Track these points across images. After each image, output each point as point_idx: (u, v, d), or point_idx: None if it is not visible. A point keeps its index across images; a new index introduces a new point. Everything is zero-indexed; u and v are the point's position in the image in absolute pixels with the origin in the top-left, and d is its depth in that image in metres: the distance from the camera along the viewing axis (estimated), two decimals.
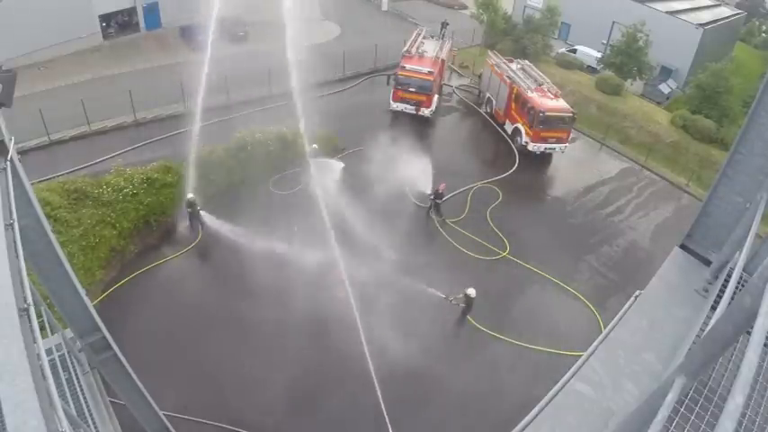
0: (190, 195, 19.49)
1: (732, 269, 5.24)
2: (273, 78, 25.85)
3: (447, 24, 34.51)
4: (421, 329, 16.73)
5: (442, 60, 30.72)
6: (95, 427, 7.33)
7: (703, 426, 4.07)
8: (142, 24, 36.28)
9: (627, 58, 36.71)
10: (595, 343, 5.49)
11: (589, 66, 40.99)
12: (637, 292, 6.24)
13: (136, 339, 14.38)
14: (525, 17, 42.74)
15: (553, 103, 26.84)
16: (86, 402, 7.47)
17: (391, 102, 29.08)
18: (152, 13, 36.38)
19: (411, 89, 28.33)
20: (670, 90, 40.81)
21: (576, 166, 28.60)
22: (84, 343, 7.18)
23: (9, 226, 4.00)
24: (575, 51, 42.75)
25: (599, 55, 41.29)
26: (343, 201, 20.26)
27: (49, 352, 7.10)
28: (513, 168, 26.90)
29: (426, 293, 17.94)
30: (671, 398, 3.08)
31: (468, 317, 17.69)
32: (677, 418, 4.07)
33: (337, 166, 23.67)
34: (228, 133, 22.50)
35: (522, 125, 27.81)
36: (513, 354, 16.93)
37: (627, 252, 22.71)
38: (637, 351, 5.21)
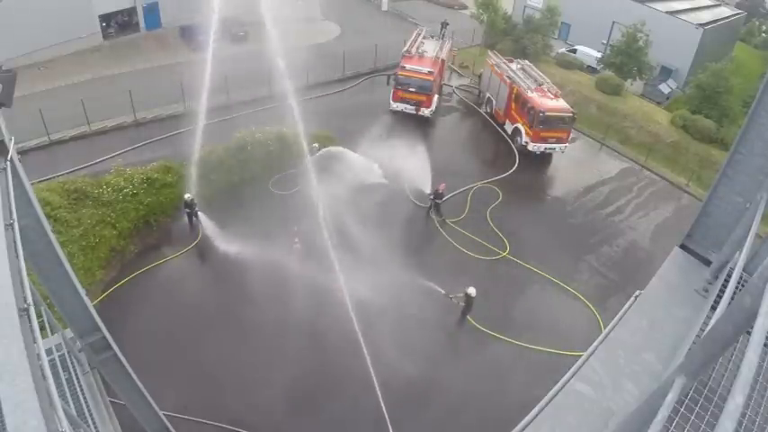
0: (187, 195, 19.50)
1: (732, 269, 5.24)
2: (273, 78, 25.86)
3: (447, 24, 34.52)
4: (421, 329, 16.73)
5: (442, 60, 30.72)
6: (95, 427, 7.33)
7: (703, 426, 4.07)
8: (142, 24, 36.30)
9: (627, 58, 36.72)
10: (595, 343, 5.49)
11: (589, 66, 41.00)
12: (637, 292, 6.24)
13: (136, 339, 14.38)
14: (525, 17, 42.75)
15: (553, 103, 26.84)
16: (86, 402, 7.47)
17: (391, 102, 29.08)
18: (152, 13, 36.39)
19: (411, 89, 28.34)
20: (670, 90, 40.82)
21: (575, 166, 28.60)
22: (84, 343, 7.18)
23: (9, 226, 4.00)
24: (575, 51, 42.76)
25: (599, 55, 41.29)
26: (343, 201, 20.25)
27: (49, 352, 7.10)
28: (513, 168, 26.90)
29: (426, 294, 17.93)
30: (671, 398, 3.08)
31: (468, 317, 17.69)
32: (677, 418, 4.07)
33: (340, 152, 23.52)
34: (228, 133, 22.50)
35: (522, 125, 27.81)
36: (513, 354, 16.92)
37: (627, 252, 22.71)
38: (637, 351, 5.21)
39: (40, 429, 2.56)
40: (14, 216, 4.23)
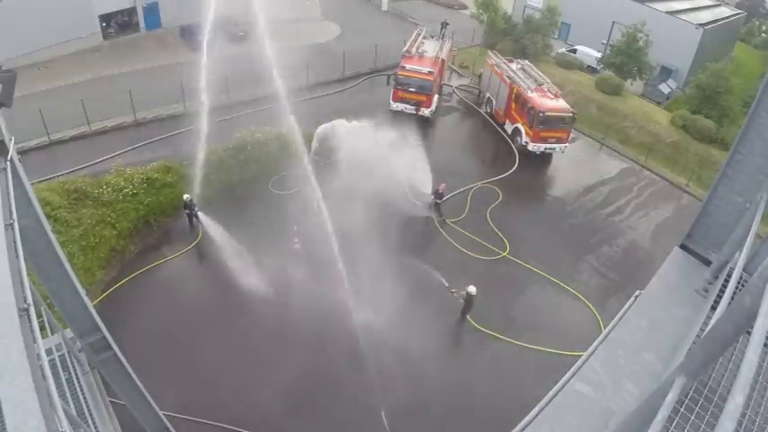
0: (186, 196, 19.51)
1: (732, 269, 5.24)
2: (273, 78, 25.85)
3: (447, 24, 34.51)
4: (420, 329, 16.71)
5: (442, 60, 30.72)
6: (95, 427, 7.33)
7: (703, 426, 4.07)
8: (142, 24, 36.30)
9: (627, 58, 36.71)
10: (595, 343, 5.49)
11: (589, 66, 40.99)
12: (637, 292, 6.24)
13: (136, 339, 14.38)
14: (525, 17, 42.73)
15: (553, 103, 26.84)
16: (86, 402, 7.47)
17: (391, 102, 29.07)
18: (152, 13, 36.39)
19: (411, 89, 28.33)
20: (670, 90, 40.82)
21: (575, 166, 28.60)
22: (84, 343, 7.19)
23: (9, 226, 4.00)
24: (575, 51, 42.75)
25: (599, 55, 41.29)
26: (342, 201, 20.22)
27: (49, 352, 7.10)
28: (513, 168, 26.90)
29: (426, 294, 17.94)
30: (671, 398, 3.08)
31: (468, 317, 17.69)
32: (677, 418, 4.07)
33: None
34: (228, 133, 22.49)
35: (522, 125, 27.81)
36: (513, 354, 16.92)
37: (627, 252, 22.70)
38: (637, 351, 5.21)
39: (40, 429, 2.56)
40: (14, 216, 4.23)
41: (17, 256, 3.91)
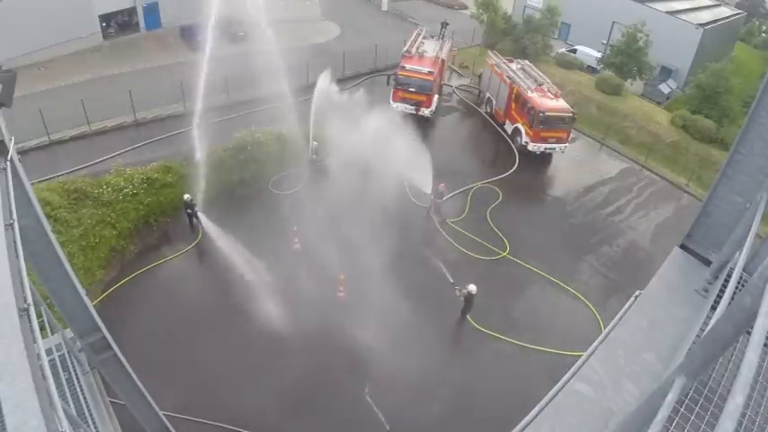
0: (186, 196, 19.51)
1: (732, 269, 5.24)
2: (273, 78, 25.89)
3: (447, 24, 34.50)
4: (420, 328, 16.72)
5: (442, 60, 30.72)
6: (95, 427, 7.33)
7: (703, 426, 4.07)
8: (142, 24, 36.30)
9: (627, 58, 36.71)
10: (595, 343, 5.49)
11: (589, 66, 40.99)
12: (637, 292, 6.24)
13: (136, 339, 14.38)
14: (525, 17, 42.74)
15: (553, 103, 26.84)
16: (86, 402, 7.47)
17: (391, 102, 29.07)
18: (152, 13, 36.40)
19: (411, 89, 28.33)
20: (670, 90, 40.81)
21: (575, 166, 28.60)
22: (84, 343, 7.18)
23: (9, 226, 4.00)
24: (575, 51, 42.75)
25: (599, 55, 41.29)
26: (342, 201, 20.23)
27: (49, 352, 7.10)
28: (513, 168, 26.90)
29: (426, 294, 17.94)
30: (671, 398, 3.08)
31: (468, 317, 17.69)
32: (677, 418, 4.07)
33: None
34: (228, 133, 22.50)
35: (522, 125, 27.81)
36: (512, 354, 16.92)
37: (627, 252, 22.70)
38: (637, 351, 5.21)
39: (40, 429, 2.56)
40: (14, 216, 4.23)
41: (17, 256, 3.91)
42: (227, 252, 18.71)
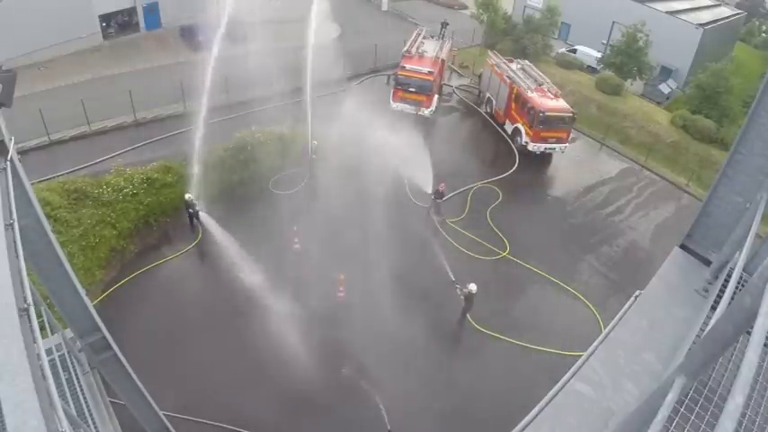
0: (187, 195, 19.51)
1: (732, 269, 5.24)
2: (273, 78, 25.89)
3: (447, 24, 34.48)
4: (420, 329, 16.72)
5: (442, 60, 30.71)
6: (95, 427, 7.33)
7: (703, 426, 4.07)
8: (142, 24, 36.27)
9: (627, 58, 36.70)
10: (595, 343, 5.49)
11: (589, 66, 40.98)
12: (637, 292, 6.24)
13: (136, 339, 14.38)
14: (525, 17, 42.72)
15: (553, 103, 26.84)
16: (86, 402, 7.47)
17: (391, 102, 29.07)
18: (152, 13, 36.37)
19: (411, 89, 28.32)
20: (670, 90, 40.80)
21: (575, 166, 28.59)
22: (84, 343, 7.18)
23: (9, 226, 4.00)
24: (575, 51, 42.74)
25: (599, 55, 41.27)
26: (342, 201, 20.23)
27: (49, 352, 7.10)
28: (513, 168, 26.89)
29: (425, 294, 17.94)
30: (671, 398, 3.08)
31: (468, 317, 17.69)
32: (677, 418, 4.07)
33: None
34: (229, 133, 22.49)
35: (522, 125, 27.80)
36: (513, 354, 16.92)
37: (627, 252, 22.70)
38: (637, 351, 5.21)
39: (40, 429, 2.56)
40: (14, 216, 4.23)
41: (17, 256, 3.91)
42: (227, 252, 18.72)
